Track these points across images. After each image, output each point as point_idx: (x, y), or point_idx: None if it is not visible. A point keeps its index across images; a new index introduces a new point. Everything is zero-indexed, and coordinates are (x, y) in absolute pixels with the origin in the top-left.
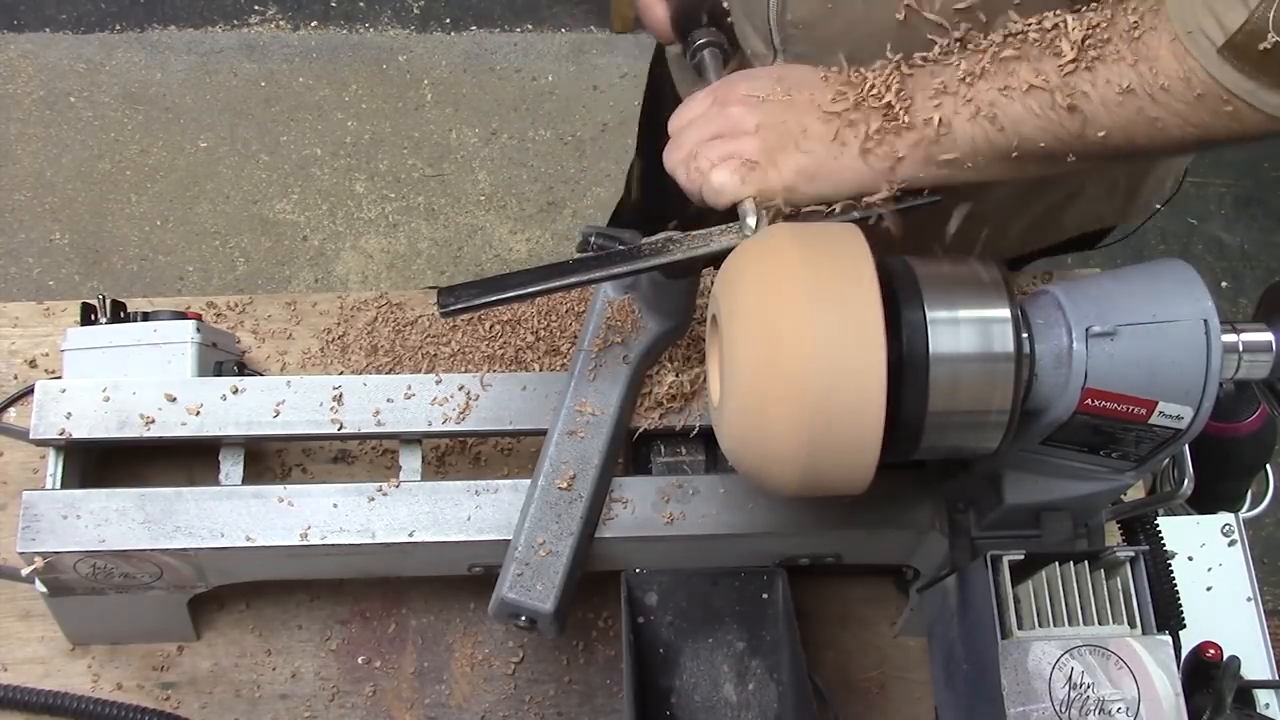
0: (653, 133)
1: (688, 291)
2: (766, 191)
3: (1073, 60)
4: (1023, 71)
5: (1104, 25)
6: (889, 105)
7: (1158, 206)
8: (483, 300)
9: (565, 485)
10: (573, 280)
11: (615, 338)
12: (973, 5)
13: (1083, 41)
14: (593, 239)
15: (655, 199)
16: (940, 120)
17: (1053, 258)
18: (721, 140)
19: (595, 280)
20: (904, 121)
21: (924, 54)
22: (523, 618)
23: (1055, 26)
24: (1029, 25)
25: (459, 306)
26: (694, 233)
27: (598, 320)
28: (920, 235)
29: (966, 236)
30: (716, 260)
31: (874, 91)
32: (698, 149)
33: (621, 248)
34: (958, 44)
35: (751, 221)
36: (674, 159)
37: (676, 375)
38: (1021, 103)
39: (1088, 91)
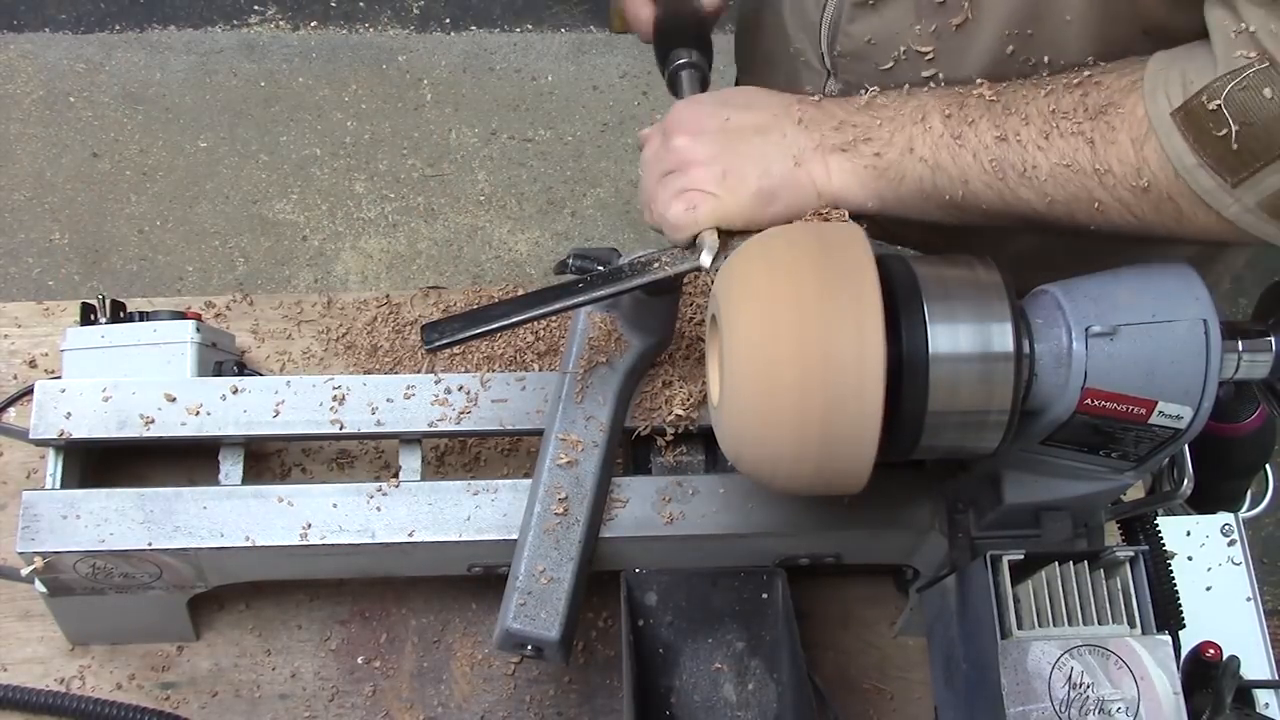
0: None
1: (670, 306)
2: (725, 219)
3: (1037, 129)
4: (983, 124)
5: (1079, 98)
6: (851, 131)
7: None
8: (467, 334)
9: (561, 511)
10: (556, 307)
11: (600, 358)
12: (1012, 54)
13: (1050, 111)
14: (570, 261)
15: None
16: (892, 154)
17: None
18: (673, 176)
19: (578, 305)
20: (860, 150)
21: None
22: (529, 647)
23: (1036, 86)
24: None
25: (444, 341)
26: (673, 249)
27: (580, 341)
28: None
29: None
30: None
31: (837, 119)
32: (654, 189)
33: (601, 269)
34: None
35: (708, 255)
36: (641, 201)
37: (683, 385)
38: (973, 154)
39: (1039, 162)
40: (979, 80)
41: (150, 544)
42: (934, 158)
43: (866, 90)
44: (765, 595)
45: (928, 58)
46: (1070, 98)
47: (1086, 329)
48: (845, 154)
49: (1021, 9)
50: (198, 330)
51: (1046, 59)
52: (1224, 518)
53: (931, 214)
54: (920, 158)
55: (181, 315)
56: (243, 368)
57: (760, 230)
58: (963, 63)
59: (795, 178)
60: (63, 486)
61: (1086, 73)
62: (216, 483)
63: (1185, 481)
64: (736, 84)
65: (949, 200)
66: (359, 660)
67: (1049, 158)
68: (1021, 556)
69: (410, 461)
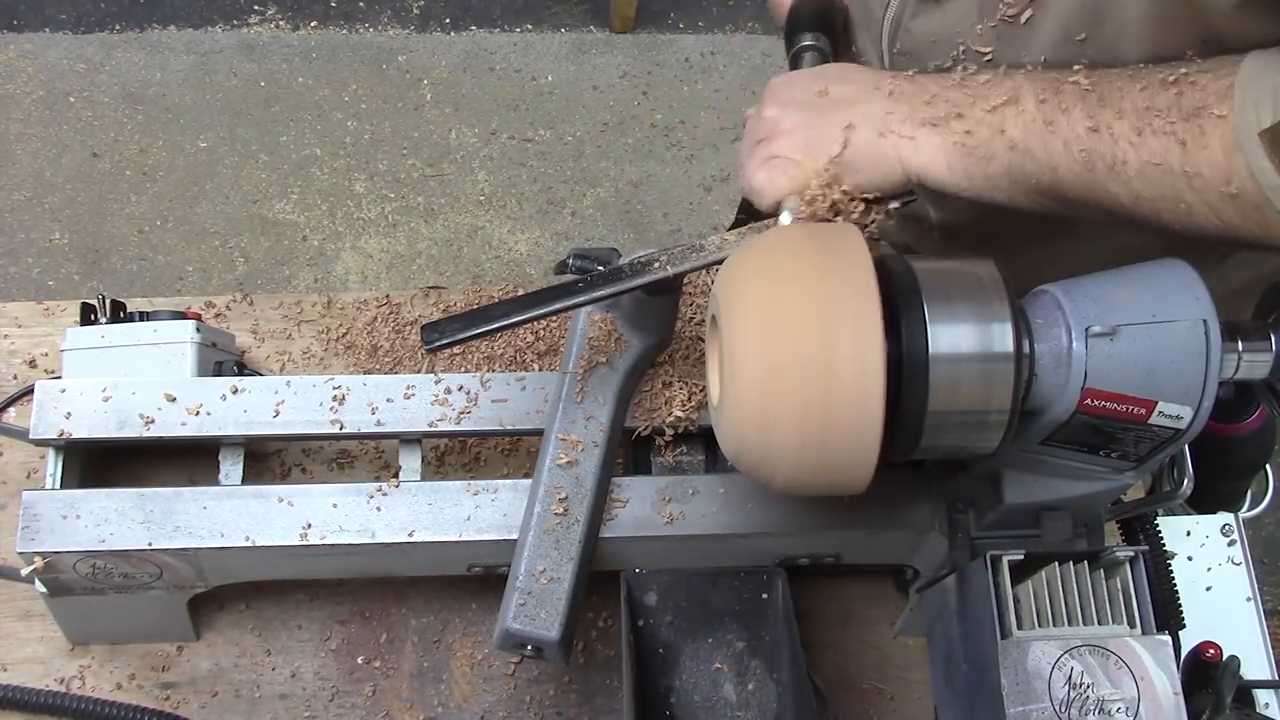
0: None
1: (670, 306)
2: (805, 187)
3: (1130, 124)
4: (1077, 112)
5: (1174, 96)
6: (943, 106)
7: None
8: (467, 334)
9: (561, 511)
10: (556, 307)
11: (600, 358)
12: (1069, 57)
13: (1144, 108)
14: (570, 261)
15: None
16: (983, 133)
17: None
18: (763, 144)
19: (578, 305)
20: (952, 126)
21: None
22: (529, 647)
23: (1133, 79)
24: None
25: (444, 341)
26: (673, 249)
27: (580, 341)
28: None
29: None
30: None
31: (930, 93)
32: (745, 158)
33: (601, 269)
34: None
35: (787, 217)
36: (737, 169)
37: (683, 385)
38: (1064, 142)
39: (1129, 158)
40: (1076, 67)
41: (150, 544)
42: (1024, 142)
43: (965, 68)
44: (765, 595)
45: (986, 58)
46: (1165, 95)
47: (1086, 329)
48: (935, 129)
49: (1084, 10)
50: (198, 330)
51: (1104, 62)
52: (1224, 518)
53: (1018, 199)
54: (1010, 140)
55: (181, 315)
56: (243, 368)
57: (845, 199)
58: (1020, 63)
59: (879, 149)
60: (63, 486)
61: (1183, 69)
62: (216, 483)
63: (1185, 481)
64: None
65: (1035, 185)
66: (359, 660)
67: (1139, 154)
68: (1021, 556)
69: (410, 461)
